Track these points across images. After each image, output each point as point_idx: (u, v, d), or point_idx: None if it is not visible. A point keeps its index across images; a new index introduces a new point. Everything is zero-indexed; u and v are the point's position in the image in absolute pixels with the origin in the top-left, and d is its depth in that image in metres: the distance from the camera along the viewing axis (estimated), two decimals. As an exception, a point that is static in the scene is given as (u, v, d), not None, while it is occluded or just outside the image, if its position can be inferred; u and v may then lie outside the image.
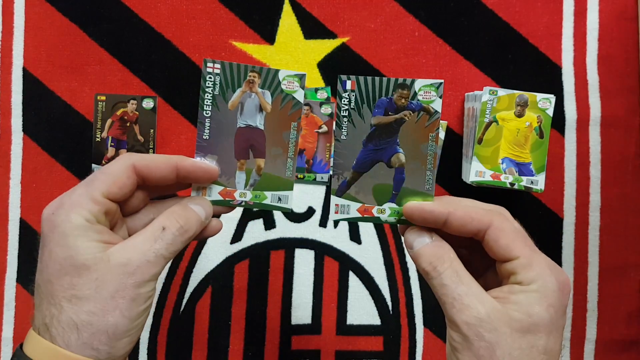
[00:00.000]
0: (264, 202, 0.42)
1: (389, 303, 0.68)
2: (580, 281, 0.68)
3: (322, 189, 0.68)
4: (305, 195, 0.68)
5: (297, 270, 0.68)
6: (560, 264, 0.68)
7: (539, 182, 0.61)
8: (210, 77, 0.41)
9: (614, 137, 0.69)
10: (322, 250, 0.68)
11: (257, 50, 0.68)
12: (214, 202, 0.42)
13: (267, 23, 0.68)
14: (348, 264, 0.68)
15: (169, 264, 0.67)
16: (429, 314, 0.68)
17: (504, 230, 0.36)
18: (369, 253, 0.68)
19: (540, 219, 0.68)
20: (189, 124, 0.68)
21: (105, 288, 0.35)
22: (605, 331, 0.68)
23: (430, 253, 0.36)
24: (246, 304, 0.67)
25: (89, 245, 0.35)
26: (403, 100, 0.40)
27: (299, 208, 0.68)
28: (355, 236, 0.68)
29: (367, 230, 0.68)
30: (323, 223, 0.68)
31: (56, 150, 0.67)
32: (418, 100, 0.40)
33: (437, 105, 0.39)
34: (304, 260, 0.68)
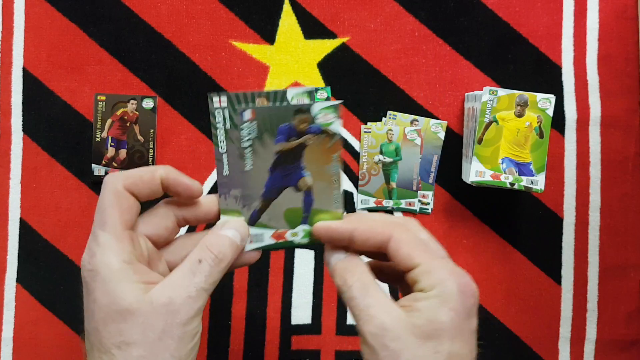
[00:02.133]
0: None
1: (389, 303, 0.68)
2: (580, 281, 0.68)
3: (322, 189, 0.68)
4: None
5: (297, 270, 0.68)
6: (560, 264, 0.68)
7: (538, 182, 0.61)
8: (218, 112, 0.40)
9: (614, 137, 0.69)
10: (322, 250, 0.68)
11: (257, 50, 0.68)
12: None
13: (267, 23, 0.68)
14: (348, 264, 0.68)
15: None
16: (429, 314, 0.68)
17: (403, 241, 0.36)
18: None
19: (540, 219, 0.68)
20: (189, 124, 0.68)
21: (151, 330, 0.34)
22: (605, 331, 0.68)
23: (342, 267, 0.37)
24: (246, 303, 0.67)
25: (131, 289, 0.35)
26: (303, 125, 0.40)
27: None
28: (355, 236, 0.68)
29: (367, 230, 0.68)
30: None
31: (56, 150, 0.67)
32: (318, 123, 0.40)
33: (336, 126, 0.40)
34: (304, 260, 0.68)
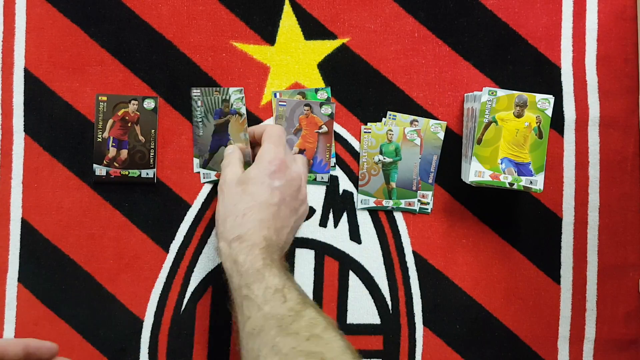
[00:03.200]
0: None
1: (389, 302, 0.68)
2: (579, 281, 0.68)
3: (322, 189, 0.68)
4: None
5: (297, 270, 0.68)
6: (559, 263, 0.68)
7: (537, 182, 0.62)
8: (194, 100, 0.68)
9: (613, 137, 0.69)
10: (322, 250, 0.68)
11: (257, 51, 0.68)
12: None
13: (267, 24, 0.68)
14: (348, 264, 0.68)
15: (170, 262, 0.67)
16: (428, 313, 0.68)
17: (267, 132, 0.61)
18: (368, 253, 0.68)
19: (539, 219, 0.69)
20: (189, 124, 0.68)
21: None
22: (604, 331, 0.68)
23: (229, 152, 0.65)
24: (247, 303, 0.67)
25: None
26: (227, 109, 0.67)
27: (299, 208, 0.68)
28: (355, 236, 0.68)
29: (367, 230, 0.68)
30: (323, 223, 0.68)
31: (57, 151, 0.67)
32: (234, 107, 0.67)
33: (243, 109, 0.67)
34: (304, 260, 0.68)
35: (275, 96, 0.67)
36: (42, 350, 0.48)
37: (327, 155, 0.68)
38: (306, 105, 0.67)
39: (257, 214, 0.56)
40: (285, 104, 0.67)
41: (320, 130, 0.68)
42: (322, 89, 0.68)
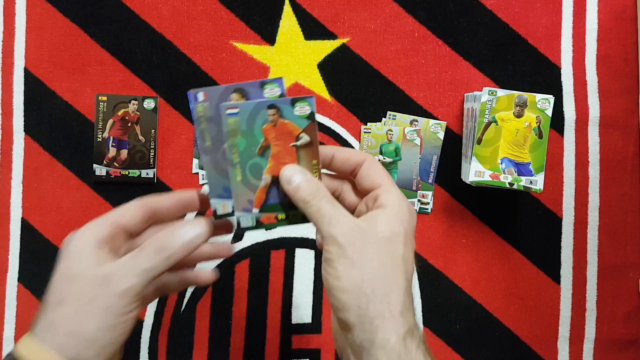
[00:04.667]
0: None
1: (389, 302, 0.68)
2: (579, 281, 0.68)
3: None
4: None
5: (297, 270, 0.68)
6: (559, 263, 0.68)
7: (537, 182, 0.62)
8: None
9: (613, 137, 0.69)
10: (321, 251, 0.68)
11: (257, 51, 0.68)
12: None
13: (267, 24, 0.68)
14: (348, 264, 0.68)
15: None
16: (428, 314, 0.68)
17: (373, 165, 0.44)
18: (368, 253, 0.68)
19: (539, 219, 0.69)
20: (189, 124, 0.68)
21: (84, 295, 0.38)
22: (604, 330, 0.68)
23: (310, 186, 0.42)
24: (247, 303, 0.67)
25: (87, 260, 0.40)
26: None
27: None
28: (355, 236, 0.68)
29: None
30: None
31: (57, 151, 0.67)
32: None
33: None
34: (304, 260, 0.68)
35: (198, 102, 0.42)
36: (194, 200, 0.45)
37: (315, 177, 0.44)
38: (270, 107, 0.42)
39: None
40: (236, 112, 0.42)
41: (298, 142, 0.44)
42: (271, 80, 0.43)
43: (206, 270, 0.47)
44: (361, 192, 0.45)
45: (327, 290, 0.41)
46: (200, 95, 0.42)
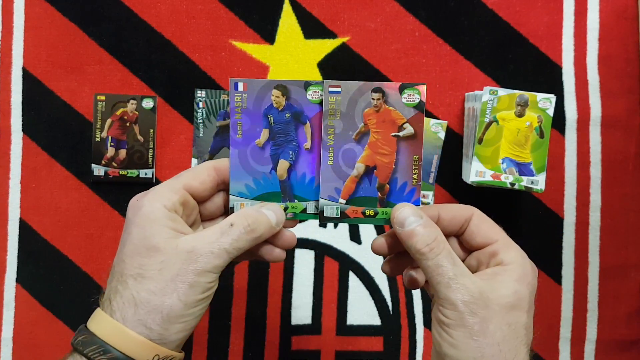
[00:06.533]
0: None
1: (389, 303, 0.68)
2: (581, 281, 0.68)
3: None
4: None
5: (297, 271, 0.68)
6: (560, 264, 0.68)
7: (539, 182, 0.61)
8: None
9: (615, 137, 0.69)
10: (322, 251, 0.68)
11: (257, 50, 0.68)
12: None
13: (267, 23, 0.68)
14: (348, 264, 0.68)
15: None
16: (429, 314, 0.68)
17: (484, 218, 0.40)
18: (369, 253, 0.68)
19: (540, 219, 0.68)
20: (188, 124, 0.68)
21: (168, 271, 0.37)
22: (605, 331, 0.68)
23: (426, 234, 0.38)
24: (246, 304, 0.67)
25: (163, 231, 0.38)
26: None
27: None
28: (355, 236, 0.68)
29: (367, 230, 0.68)
30: (323, 223, 0.68)
31: (56, 150, 0.67)
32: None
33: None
34: (304, 261, 0.68)
35: (237, 92, 0.41)
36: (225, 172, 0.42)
37: (415, 176, 0.42)
38: (376, 90, 0.40)
39: None
40: (339, 89, 0.40)
41: (401, 133, 0.41)
42: (316, 82, 0.41)
43: (287, 236, 0.43)
44: (467, 247, 0.41)
45: (439, 355, 0.38)
46: (240, 86, 0.41)
